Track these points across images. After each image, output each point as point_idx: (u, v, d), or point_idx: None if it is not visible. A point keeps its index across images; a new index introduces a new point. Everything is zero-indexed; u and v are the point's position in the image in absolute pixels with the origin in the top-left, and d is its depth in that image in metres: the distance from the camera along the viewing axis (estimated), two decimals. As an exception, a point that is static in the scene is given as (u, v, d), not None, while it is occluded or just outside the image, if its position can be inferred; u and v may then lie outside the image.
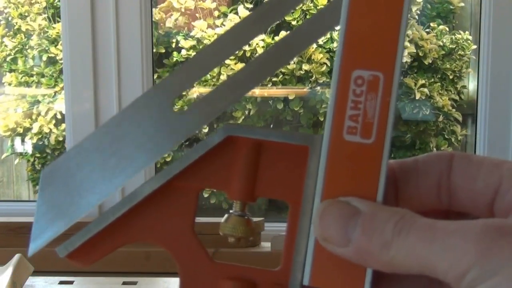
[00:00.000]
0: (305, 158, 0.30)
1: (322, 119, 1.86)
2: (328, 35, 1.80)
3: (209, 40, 1.84)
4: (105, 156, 0.31)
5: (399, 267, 0.27)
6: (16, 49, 1.82)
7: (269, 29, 1.80)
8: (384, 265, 0.27)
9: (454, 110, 1.90)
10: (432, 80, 1.86)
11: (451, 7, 1.88)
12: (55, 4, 1.81)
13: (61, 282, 1.01)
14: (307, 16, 1.75)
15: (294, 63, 1.78)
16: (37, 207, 0.31)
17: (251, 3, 1.87)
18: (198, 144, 0.30)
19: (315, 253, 0.29)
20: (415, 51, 1.84)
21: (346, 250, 0.27)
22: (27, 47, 1.83)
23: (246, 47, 1.76)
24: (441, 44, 1.86)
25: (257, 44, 1.76)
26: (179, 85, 0.31)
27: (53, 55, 1.80)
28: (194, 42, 1.85)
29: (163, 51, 1.86)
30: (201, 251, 0.31)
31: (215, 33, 1.84)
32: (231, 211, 0.32)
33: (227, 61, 1.75)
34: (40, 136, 1.82)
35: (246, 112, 1.84)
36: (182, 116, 0.31)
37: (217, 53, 0.31)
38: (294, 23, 1.76)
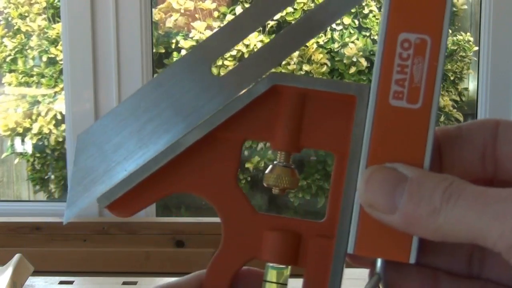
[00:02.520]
0: (352, 108, 0.29)
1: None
2: (329, 35, 1.80)
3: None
4: (141, 121, 0.30)
5: (447, 235, 0.26)
6: (16, 49, 1.82)
7: (267, 28, 1.80)
8: (431, 233, 0.26)
9: (455, 110, 1.90)
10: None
11: (454, 9, 1.88)
12: (55, 5, 1.81)
13: (61, 282, 1.01)
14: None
15: (294, 63, 1.78)
16: (72, 173, 0.31)
17: (250, 3, 1.87)
18: (242, 94, 0.30)
19: (360, 220, 0.28)
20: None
21: (393, 217, 0.27)
22: (27, 48, 1.83)
23: (244, 49, 1.76)
24: (442, 45, 1.86)
25: (255, 45, 1.76)
26: (217, 48, 0.30)
27: (53, 56, 1.80)
28: (193, 43, 1.85)
29: (163, 51, 1.86)
30: (244, 202, 0.30)
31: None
32: (275, 161, 0.31)
33: (226, 62, 1.75)
34: (40, 137, 1.82)
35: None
36: (221, 81, 0.30)
37: (254, 17, 0.30)
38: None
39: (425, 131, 0.28)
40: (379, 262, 0.29)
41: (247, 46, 1.75)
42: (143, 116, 0.30)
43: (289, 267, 0.30)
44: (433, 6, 0.28)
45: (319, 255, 0.30)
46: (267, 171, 0.31)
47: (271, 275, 0.30)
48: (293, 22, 1.82)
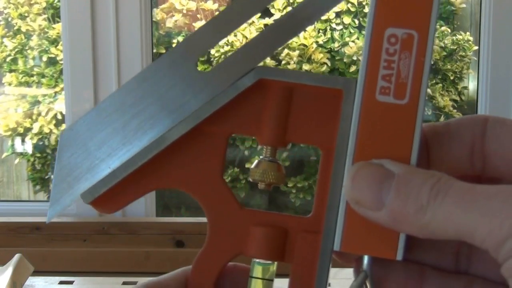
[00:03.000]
0: (339, 103, 0.29)
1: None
2: (329, 35, 1.80)
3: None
4: (126, 117, 0.30)
5: (434, 232, 0.26)
6: (16, 49, 1.82)
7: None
8: (418, 230, 0.26)
9: (455, 110, 1.90)
10: (434, 81, 1.86)
11: (453, 8, 1.88)
12: (54, 5, 1.81)
13: (61, 282, 1.01)
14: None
15: (295, 63, 1.78)
16: (55, 171, 0.30)
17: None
18: (228, 88, 0.29)
19: (346, 217, 0.28)
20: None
21: (379, 214, 0.26)
22: (27, 48, 1.83)
23: (238, 43, 1.75)
24: (443, 45, 1.86)
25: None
26: (203, 43, 0.30)
27: (53, 56, 1.80)
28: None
29: (163, 51, 1.86)
30: (230, 197, 0.30)
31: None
32: (261, 156, 0.31)
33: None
34: (40, 136, 1.82)
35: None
36: (206, 77, 0.30)
37: (242, 11, 0.30)
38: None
39: (412, 127, 0.28)
40: (365, 259, 0.29)
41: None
42: (128, 112, 0.30)
43: (276, 263, 0.30)
44: (420, 1, 0.28)
45: (306, 250, 0.29)
46: (252, 166, 0.31)
47: (257, 271, 0.30)
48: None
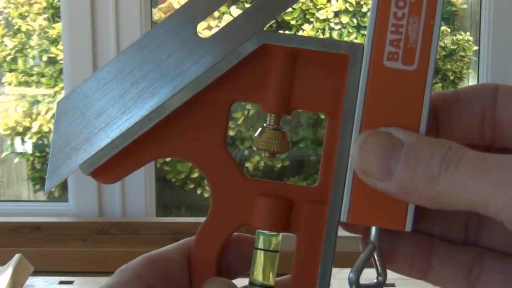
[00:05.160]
0: (345, 68, 0.28)
1: (322, 117, 1.85)
2: (328, 34, 1.80)
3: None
4: (125, 85, 0.29)
5: (445, 203, 0.25)
6: (16, 49, 1.82)
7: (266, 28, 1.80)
8: (429, 201, 0.25)
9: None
10: (434, 80, 1.87)
11: (454, 8, 1.88)
12: (54, 4, 1.81)
13: (61, 282, 1.01)
14: (306, 16, 1.75)
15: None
16: (52, 141, 0.29)
17: (250, 3, 1.87)
18: (230, 54, 0.28)
19: (353, 187, 0.27)
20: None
21: (388, 184, 0.26)
22: (27, 47, 1.83)
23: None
24: (442, 45, 1.86)
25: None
26: (202, 8, 0.29)
27: (53, 55, 1.80)
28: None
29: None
30: (233, 167, 0.29)
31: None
32: (264, 124, 0.30)
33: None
34: (39, 136, 1.82)
35: (246, 113, 1.84)
36: (207, 42, 0.29)
37: None
38: (293, 22, 1.76)
39: (421, 93, 0.27)
40: (373, 230, 0.28)
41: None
42: (127, 79, 0.29)
43: (281, 234, 0.29)
44: None
45: (312, 221, 0.29)
46: (256, 134, 0.30)
47: (262, 242, 0.29)
48: (292, 21, 1.81)
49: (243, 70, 0.29)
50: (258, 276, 0.29)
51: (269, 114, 0.29)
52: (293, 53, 0.28)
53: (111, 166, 0.29)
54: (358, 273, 0.28)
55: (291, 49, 0.28)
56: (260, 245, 0.29)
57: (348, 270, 0.28)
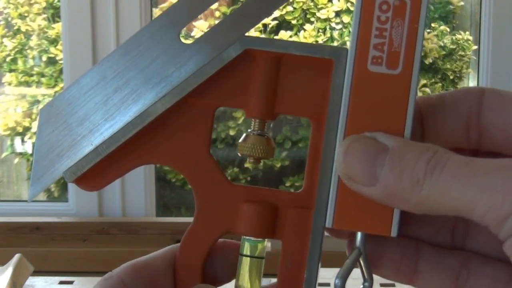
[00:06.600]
0: (329, 73, 0.28)
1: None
2: (328, 34, 1.80)
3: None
4: (108, 92, 0.29)
5: (431, 208, 0.25)
6: (16, 49, 1.82)
7: (268, 29, 1.80)
8: (414, 206, 0.25)
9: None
10: (433, 80, 1.87)
11: (451, 7, 1.88)
12: (54, 4, 1.81)
13: (61, 282, 1.01)
14: (307, 15, 1.75)
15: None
16: (35, 148, 0.29)
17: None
18: (214, 59, 0.28)
19: (338, 192, 0.27)
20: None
21: (373, 189, 0.25)
22: (26, 48, 1.83)
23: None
24: (442, 44, 1.86)
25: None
26: (186, 13, 0.29)
27: (53, 55, 1.80)
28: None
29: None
30: (218, 172, 0.29)
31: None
32: (249, 130, 0.29)
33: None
34: (40, 136, 1.82)
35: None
36: (190, 48, 0.28)
37: None
38: (294, 22, 1.76)
39: (405, 98, 0.27)
40: (359, 235, 0.28)
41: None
42: (110, 86, 0.29)
43: (266, 240, 0.29)
44: None
45: (297, 226, 0.28)
46: (240, 140, 0.29)
47: (247, 248, 0.29)
48: (293, 21, 1.81)
49: (227, 75, 0.28)
50: (244, 282, 0.29)
51: (253, 119, 0.29)
52: (276, 58, 0.28)
53: (95, 173, 0.29)
54: (344, 279, 0.28)
55: (274, 54, 0.28)
56: (246, 251, 0.29)
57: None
